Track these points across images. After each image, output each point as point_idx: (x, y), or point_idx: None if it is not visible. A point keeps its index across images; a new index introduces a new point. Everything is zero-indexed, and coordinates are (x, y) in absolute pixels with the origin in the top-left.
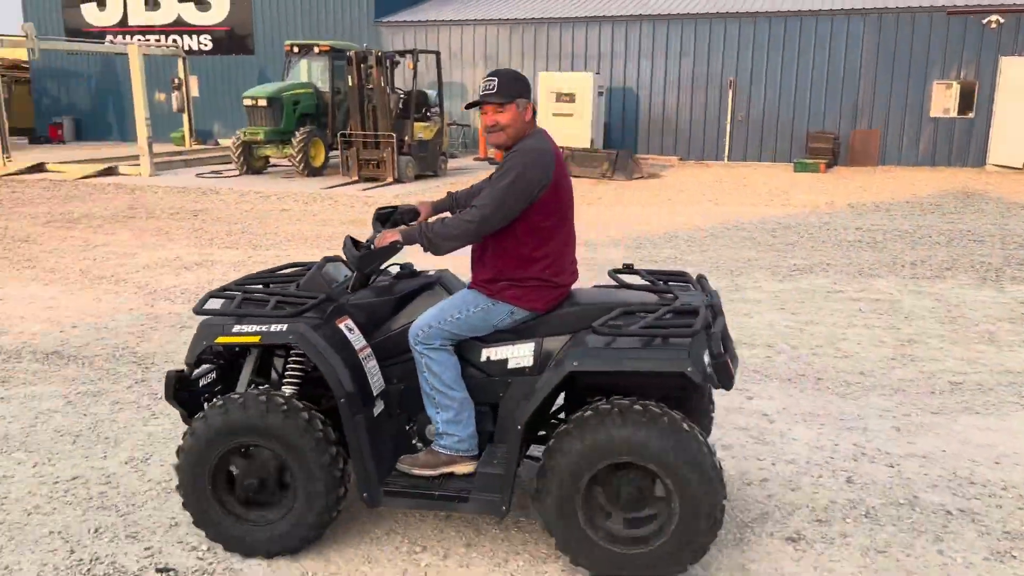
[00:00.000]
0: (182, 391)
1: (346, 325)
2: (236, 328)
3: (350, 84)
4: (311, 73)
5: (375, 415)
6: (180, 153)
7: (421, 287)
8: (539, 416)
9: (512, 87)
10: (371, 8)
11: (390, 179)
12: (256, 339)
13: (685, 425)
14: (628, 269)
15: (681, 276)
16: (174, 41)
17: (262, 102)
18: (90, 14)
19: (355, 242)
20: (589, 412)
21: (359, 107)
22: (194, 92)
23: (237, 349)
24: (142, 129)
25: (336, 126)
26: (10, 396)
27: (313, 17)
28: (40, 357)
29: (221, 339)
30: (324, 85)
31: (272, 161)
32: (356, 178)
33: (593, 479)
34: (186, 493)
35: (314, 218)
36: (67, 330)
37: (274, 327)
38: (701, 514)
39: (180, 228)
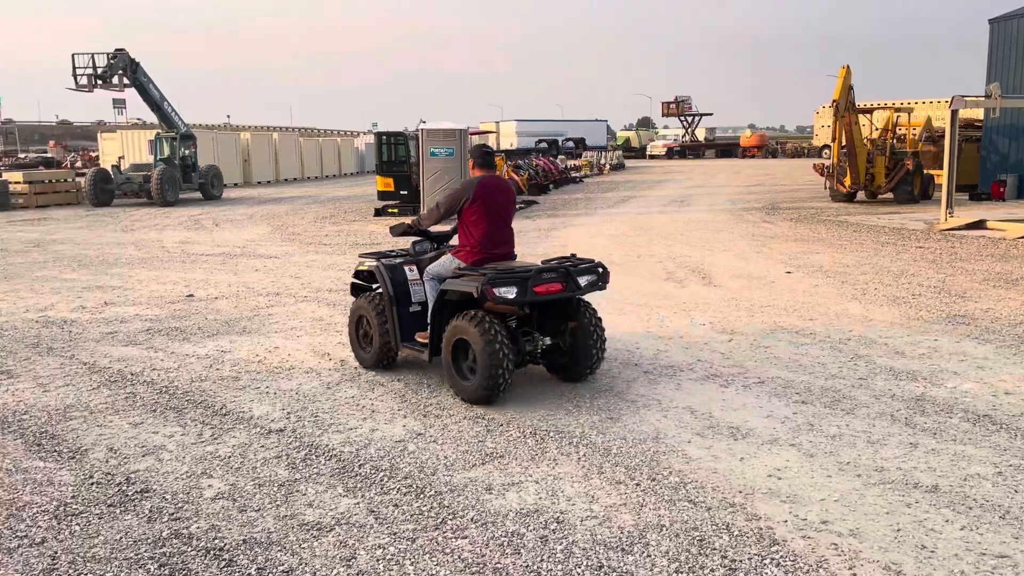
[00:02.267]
0: (357, 292)
1: (409, 268)
2: (365, 263)
3: None
4: None
5: (411, 311)
6: None
7: (442, 252)
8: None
9: (473, 156)
10: None
11: None
12: (366, 267)
13: (486, 324)
14: (571, 257)
15: (588, 261)
16: None
17: None
18: None
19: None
20: (460, 314)
21: None
22: None
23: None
24: None
25: None
26: (941, 450)
27: None
28: (970, 418)
29: (361, 267)
30: None
31: None
32: None
33: (456, 347)
34: (349, 334)
35: None
36: (999, 395)
37: (371, 263)
38: (484, 372)
39: None
